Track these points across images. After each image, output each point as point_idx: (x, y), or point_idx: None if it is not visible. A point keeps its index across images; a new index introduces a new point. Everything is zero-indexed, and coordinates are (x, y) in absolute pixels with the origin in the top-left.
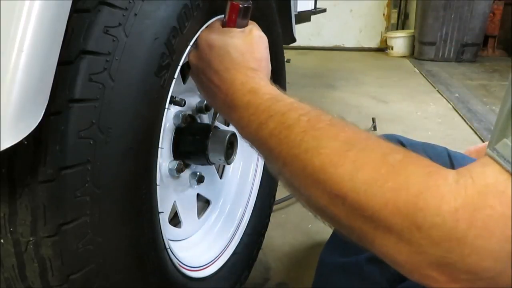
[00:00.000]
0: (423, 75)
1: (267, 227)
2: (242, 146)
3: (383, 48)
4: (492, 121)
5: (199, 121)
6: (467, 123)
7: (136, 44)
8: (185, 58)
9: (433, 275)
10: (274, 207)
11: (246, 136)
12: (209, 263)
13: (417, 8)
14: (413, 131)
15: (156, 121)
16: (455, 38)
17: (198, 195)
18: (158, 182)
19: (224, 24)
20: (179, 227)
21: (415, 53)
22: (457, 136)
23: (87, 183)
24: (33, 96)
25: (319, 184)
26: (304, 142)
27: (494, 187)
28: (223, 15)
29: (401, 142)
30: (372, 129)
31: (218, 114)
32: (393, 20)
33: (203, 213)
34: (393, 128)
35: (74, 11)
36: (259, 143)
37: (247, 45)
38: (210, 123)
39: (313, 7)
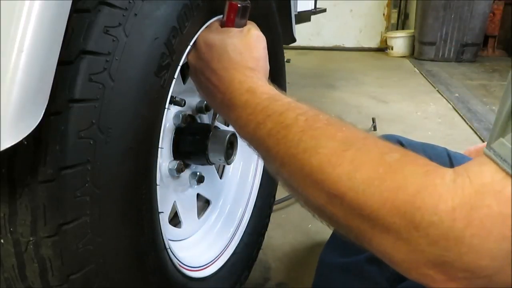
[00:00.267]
0: (423, 75)
1: (267, 227)
2: (242, 146)
3: (383, 48)
4: (492, 121)
5: (199, 121)
6: (467, 123)
7: (136, 44)
8: (185, 58)
9: (430, 273)
10: (274, 207)
11: (244, 136)
12: (209, 263)
13: (417, 8)
14: (413, 131)
15: (156, 121)
16: (455, 38)
17: (198, 195)
18: (158, 182)
19: (223, 24)
20: (179, 227)
21: (415, 53)
22: (457, 136)
23: (87, 183)
24: (33, 96)
25: (317, 184)
26: (302, 141)
27: (491, 186)
28: (221, 15)
29: (400, 142)
30: (372, 129)
31: (218, 114)
32: (393, 20)
33: (203, 213)
34: (393, 128)
35: (74, 11)
36: (257, 143)
37: (245, 45)
38: (210, 123)
39: (313, 7)
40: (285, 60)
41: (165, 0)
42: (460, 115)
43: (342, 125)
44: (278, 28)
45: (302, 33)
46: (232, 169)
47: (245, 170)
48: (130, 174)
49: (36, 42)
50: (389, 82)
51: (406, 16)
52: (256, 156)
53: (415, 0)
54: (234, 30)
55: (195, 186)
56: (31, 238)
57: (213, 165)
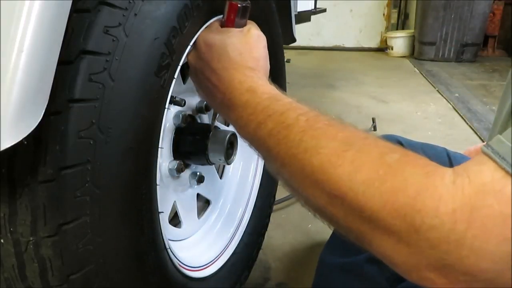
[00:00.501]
0: (423, 75)
1: (267, 227)
2: (242, 146)
3: (383, 48)
4: (492, 121)
5: (199, 121)
6: (467, 123)
7: (136, 44)
8: (185, 58)
9: (431, 276)
10: (274, 207)
11: (244, 136)
12: (209, 263)
13: (417, 8)
14: (413, 131)
15: (156, 121)
16: (455, 38)
17: (198, 195)
18: (158, 182)
19: (223, 24)
20: (179, 227)
21: (415, 53)
22: (457, 136)
23: (87, 183)
24: (33, 96)
25: (318, 184)
26: (303, 142)
27: (491, 185)
28: (221, 15)
29: (400, 142)
30: (372, 129)
31: (218, 114)
32: (393, 20)
33: (203, 213)
34: (393, 128)
35: (74, 11)
36: (258, 143)
37: (245, 44)
38: (210, 123)
39: (313, 7)
40: (285, 60)
41: (165, 0)
42: (460, 115)
43: (342, 125)
44: (278, 28)
45: (302, 33)
46: (232, 169)
47: (245, 170)
48: (130, 174)
49: (36, 42)
50: (389, 82)
51: (406, 16)
52: (256, 156)
53: (415, 0)
54: (234, 30)
55: (195, 186)
56: (31, 238)
57: (213, 165)
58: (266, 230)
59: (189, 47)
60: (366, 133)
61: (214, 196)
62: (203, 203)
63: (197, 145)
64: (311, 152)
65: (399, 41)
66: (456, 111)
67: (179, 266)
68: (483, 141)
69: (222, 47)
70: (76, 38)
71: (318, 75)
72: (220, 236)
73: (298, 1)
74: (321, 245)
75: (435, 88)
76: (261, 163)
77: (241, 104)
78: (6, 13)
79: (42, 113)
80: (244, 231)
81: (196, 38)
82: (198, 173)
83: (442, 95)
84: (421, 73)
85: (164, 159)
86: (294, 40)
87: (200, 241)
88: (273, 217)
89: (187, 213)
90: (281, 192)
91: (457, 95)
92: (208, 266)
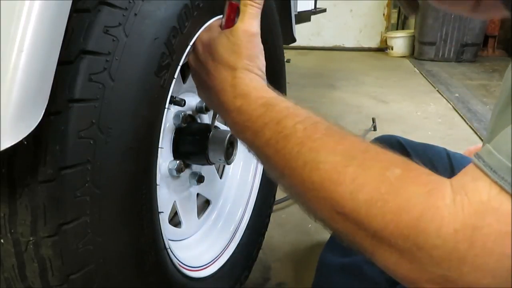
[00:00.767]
0: (423, 75)
1: (267, 227)
2: (242, 146)
3: (383, 48)
4: None
5: (199, 121)
6: (467, 123)
7: (136, 44)
8: (185, 58)
9: None
10: (274, 207)
11: (242, 141)
12: (209, 263)
13: None
14: (413, 131)
15: (156, 121)
16: (455, 38)
17: (198, 195)
18: (158, 182)
19: (223, 24)
20: (179, 227)
21: (415, 53)
22: (457, 136)
23: (87, 183)
24: (33, 96)
25: (319, 200)
26: (301, 154)
27: (488, 204)
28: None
29: (400, 143)
30: (372, 129)
31: (218, 114)
32: (393, 20)
33: (203, 213)
34: (393, 128)
35: (74, 11)
36: (256, 151)
37: (234, 43)
38: (210, 123)
39: (313, 7)
40: (285, 60)
41: (165, 0)
42: (460, 115)
43: (341, 135)
44: (278, 28)
45: (302, 33)
46: (232, 169)
47: (245, 170)
48: (130, 174)
49: (36, 42)
50: (389, 82)
51: (406, 16)
52: None
53: None
54: (226, 29)
55: (195, 186)
56: (31, 238)
57: (213, 165)
58: (266, 230)
59: (189, 47)
60: (366, 144)
61: (214, 196)
62: (203, 203)
63: (197, 145)
64: (311, 166)
65: (399, 41)
66: (456, 111)
67: (179, 266)
68: (483, 141)
69: (214, 47)
70: (76, 38)
71: (318, 75)
72: (220, 236)
73: (298, 1)
74: (321, 245)
75: (435, 88)
76: None
77: (234, 109)
78: (6, 13)
79: (42, 113)
80: (244, 231)
81: (195, 39)
82: (198, 173)
83: (442, 95)
84: (421, 73)
85: (164, 159)
86: (294, 40)
87: (200, 241)
88: (273, 217)
89: (187, 213)
90: (281, 192)
91: (457, 95)
92: (208, 266)
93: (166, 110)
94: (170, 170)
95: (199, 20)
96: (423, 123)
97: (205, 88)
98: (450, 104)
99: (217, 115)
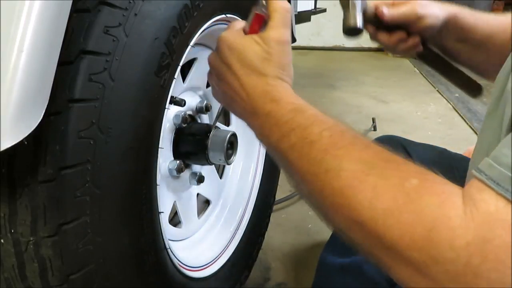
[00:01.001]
0: (423, 75)
1: (267, 227)
2: (242, 146)
3: (383, 48)
4: None
5: (199, 121)
6: (467, 123)
7: (136, 44)
8: (185, 58)
9: None
10: (274, 207)
11: (265, 144)
12: (209, 263)
13: None
14: (413, 131)
15: (156, 121)
16: None
17: (198, 195)
18: (158, 182)
19: (246, 32)
20: (179, 227)
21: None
22: (457, 136)
23: (87, 183)
24: (33, 96)
25: (338, 208)
26: (325, 161)
27: (497, 215)
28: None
29: (402, 144)
30: (372, 129)
31: (220, 115)
32: None
33: (203, 213)
34: (393, 128)
35: (74, 11)
36: (279, 155)
37: (266, 52)
38: (211, 123)
39: (313, 7)
40: None
41: (165, 0)
42: (460, 115)
43: (366, 145)
44: None
45: (302, 33)
46: (232, 169)
47: (245, 170)
48: (130, 174)
49: (36, 42)
50: (389, 82)
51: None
52: (256, 156)
53: None
54: (256, 35)
55: (195, 186)
56: (31, 238)
57: (213, 165)
58: (266, 230)
59: (189, 47)
60: (389, 154)
61: (214, 196)
62: (203, 203)
63: (197, 145)
64: (332, 174)
65: None
66: (456, 111)
67: (179, 266)
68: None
69: (244, 53)
70: (76, 38)
71: (318, 75)
72: (220, 236)
73: (298, 1)
74: (321, 245)
75: (435, 88)
76: (261, 163)
77: (263, 114)
78: (6, 13)
79: (42, 113)
80: (244, 231)
81: (218, 40)
82: (198, 173)
83: (442, 95)
84: (421, 73)
85: (164, 159)
86: (294, 40)
87: (200, 241)
88: (273, 217)
89: (187, 213)
90: (281, 192)
91: (457, 95)
92: (208, 266)
93: (166, 110)
94: (170, 170)
95: (199, 20)
96: (423, 123)
97: (227, 91)
98: (450, 104)
99: (220, 116)
